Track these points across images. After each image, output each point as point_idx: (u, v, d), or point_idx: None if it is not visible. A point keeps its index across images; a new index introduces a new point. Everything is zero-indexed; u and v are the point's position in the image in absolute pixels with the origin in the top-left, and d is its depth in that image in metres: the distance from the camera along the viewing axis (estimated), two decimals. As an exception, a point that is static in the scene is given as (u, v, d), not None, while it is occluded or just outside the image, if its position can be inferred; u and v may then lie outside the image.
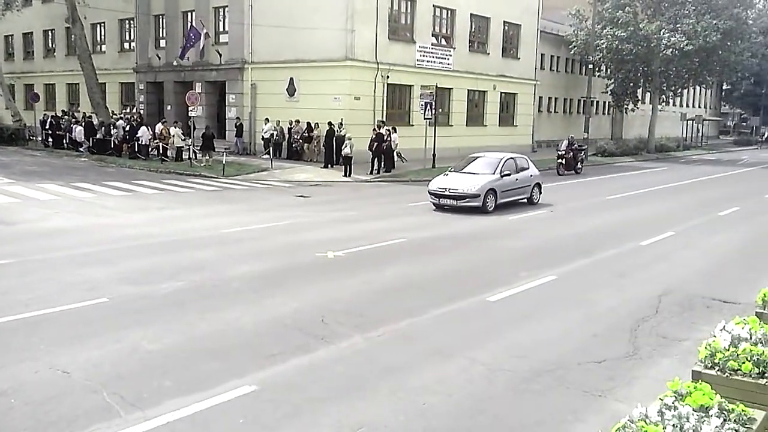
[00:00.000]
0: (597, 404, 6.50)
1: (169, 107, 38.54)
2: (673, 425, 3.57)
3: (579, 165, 31.94)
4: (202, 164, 28.74)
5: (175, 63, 37.38)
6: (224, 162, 26.82)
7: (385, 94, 32.10)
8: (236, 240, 14.12)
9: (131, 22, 41.86)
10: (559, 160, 31.16)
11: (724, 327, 5.10)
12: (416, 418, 6.11)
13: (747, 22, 46.39)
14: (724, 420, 3.75)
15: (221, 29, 36.20)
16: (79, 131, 34.14)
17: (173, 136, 29.90)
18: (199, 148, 29.66)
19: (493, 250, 13.79)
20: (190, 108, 28.88)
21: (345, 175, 26.67)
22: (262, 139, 32.09)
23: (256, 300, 9.69)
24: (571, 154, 31.38)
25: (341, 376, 6.99)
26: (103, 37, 45.00)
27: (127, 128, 31.86)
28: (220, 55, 35.21)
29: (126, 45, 43.47)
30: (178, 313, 8.98)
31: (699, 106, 72.12)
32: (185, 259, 12.20)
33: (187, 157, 29.61)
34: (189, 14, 37.72)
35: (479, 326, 8.78)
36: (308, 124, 31.00)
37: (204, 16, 35.90)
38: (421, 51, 33.80)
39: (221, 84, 36.13)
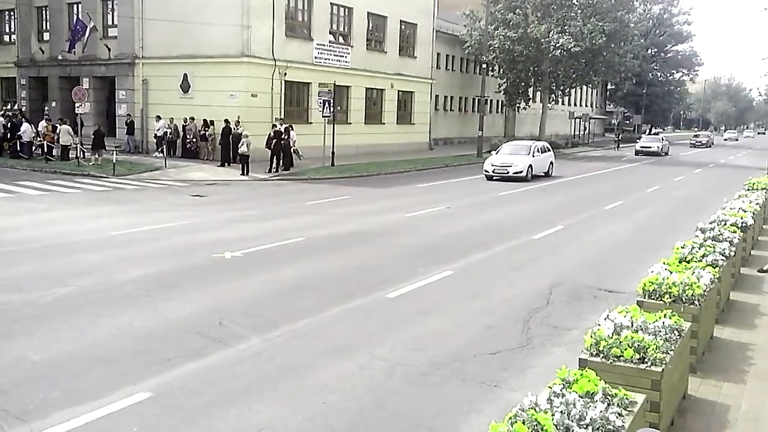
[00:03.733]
0: (492, 394, 6.69)
1: (54, 103, 36.63)
2: (561, 412, 3.72)
3: None
4: (90, 163, 27.52)
5: (60, 57, 35.62)
6: (114, 161, 25.78)
7: (283, 92, 31.85)
8: (128, 242, 13.62)
9: (12, 13, 39.55)
10: None
11: (607, 316, 5.37)
12: (316, 416, 6.11)
13: (629, 25, 48.95)
14: (608, 404, 3.95)
15: (110, 22, 34.77)
16: (-46, 129, 31.88)
17: (58, 133, 28.46)
18: (90, 147, 28.40)
19: (392, 246, 13.94)
20: (77, 104, 27.61)
21: (242, 174, 26.25)
22: (155, 137, 31.11)
23: (149, 304, 9.39)
24: None
25: (239, 379, 6.88)
26: (-21, 29, 42.27)
27: (8, 125, 30.05)
28: (109, 50, 33.79)
29: (6, 38, 41.13)
30: (66, 319, 8.57)
31: (586, 105, 75.56)
32: (73, 263, 11.66)
33: (74, 156, 28.26)
34: (75, 6, 36.00)
35: (378, 323, 8.86)
36: (204, 121, 30.27)
37: (91, 8, 34.34)
38: (318, 48, 33.72)
39: (110, 79, 34.67)
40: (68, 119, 30.68)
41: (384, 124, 39.64)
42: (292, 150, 28.28)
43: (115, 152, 26.65)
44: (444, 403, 6.47)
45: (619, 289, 10.61)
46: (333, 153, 29.73)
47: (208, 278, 10.88)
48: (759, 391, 6.09)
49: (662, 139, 52.72)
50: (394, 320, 9.00)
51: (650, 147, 50.66)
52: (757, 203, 12.43)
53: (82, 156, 28.09)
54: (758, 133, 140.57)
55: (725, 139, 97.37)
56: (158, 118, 31.19)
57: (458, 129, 51.94)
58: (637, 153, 49.99)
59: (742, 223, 9.96)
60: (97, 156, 27.88)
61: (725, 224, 9.60)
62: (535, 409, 3.74)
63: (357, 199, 21.50)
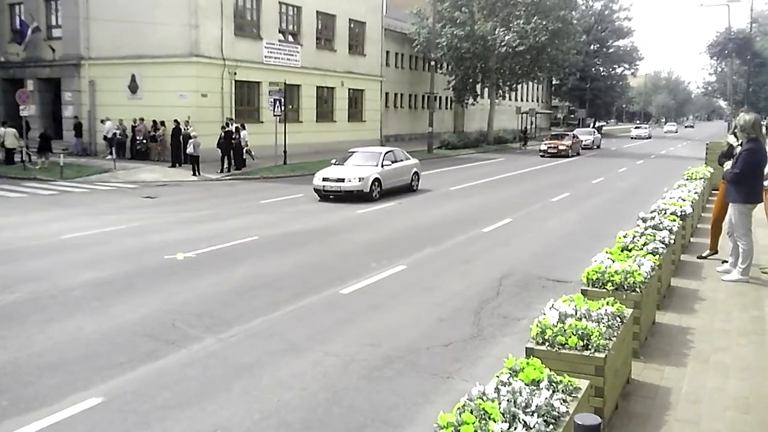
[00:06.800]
0: (445, 386, 6.81)
1: (-4, 106, 35.70)
2: (508, 400, 3.82)
3: None
4: (37, 167, 26.92)
5: (2, 59, 34.71)
6: (62, 164, 25.24)
7: (233, 91, 31.64)
8: (77, 246, 13.39)
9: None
10: None
11: (552, 305, 5.52)
12: (271, 415, 6.14)
13: (572, 23, 49.88)
14: (553, 391, 4.07)
15: (54, 23, 33.99)
16: None
17: (3, 136, 27.73)
18: (36, 150, 27.76)
19: (345, 243, 14.01)
20: (21, 107, 26.97)
21: (194, 175, 25.98)
22: (104, 138, 30.56)
23: (100, 308, 9.27)
24: None
25: (193, 380, 6.87)
26: None
27: (-52, 130, 29.15)
28: (53, 51, 33.03)
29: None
30: (13, 327, 8.42)
31: (532, 100, 76.67)
32: (21, 269, 11.42)
33: (20, 159, 27.59)
34: (17, 7, 35.12)
35: (332, 319, 8.92)
36: (154, 122, 29.87)
37: (33, 8, 33.58)
38: (268, 47, 33.56)
39: (56, 81, 33.92)
40: (13, 122, 29.93)
41: (335, 122, 39.66)
42: (244, 150, 28.11)
43: (62, 155, 26.12)
44: (398, 396, 6.57)
45: (565, 279, 10.86)
46: (285, 152, 29.65)
47: (161, 280, 10.79)
48: (699, 374, 6.33)
49: (397, 157, 22.71)
50: (348, 316, 9.08)
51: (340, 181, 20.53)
52: (696, 192, 12.83)
53: (28, 159, 27.48)
54: (686, 126, 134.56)
55: (633, 137, 75.49)
56: (101, 121, 30.70)
57: (409, 125, 52.23)
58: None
59: (681, 211, 10.27)
60: (43, 159, 27.33)
61: (665, 213, 9.89)
62: (482, 398, 3.83)
63: (310, 197, 21.46)
